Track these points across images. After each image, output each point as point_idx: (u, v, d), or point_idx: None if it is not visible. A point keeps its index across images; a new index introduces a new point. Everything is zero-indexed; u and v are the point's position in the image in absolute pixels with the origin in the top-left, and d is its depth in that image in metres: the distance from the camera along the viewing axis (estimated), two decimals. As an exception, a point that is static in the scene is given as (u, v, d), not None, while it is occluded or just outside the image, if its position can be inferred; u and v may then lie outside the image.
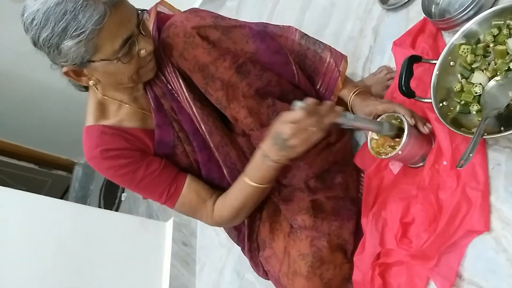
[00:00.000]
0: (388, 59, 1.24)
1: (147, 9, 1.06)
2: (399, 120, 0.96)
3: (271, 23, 1.83)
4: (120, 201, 2.97)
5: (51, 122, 3.28)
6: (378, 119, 0.99)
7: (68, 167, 3.76)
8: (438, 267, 0.87)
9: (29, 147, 3.53)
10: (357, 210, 1.09)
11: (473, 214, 0.82)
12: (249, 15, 2.08)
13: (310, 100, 0.85)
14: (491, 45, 0.91)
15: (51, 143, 3.52)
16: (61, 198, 3.92)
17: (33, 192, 1.75)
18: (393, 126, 0.95)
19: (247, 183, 0.99)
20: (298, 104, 0.83)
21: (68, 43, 0.84)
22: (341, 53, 1.12)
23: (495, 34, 0.90)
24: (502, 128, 0.85)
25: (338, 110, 0.87)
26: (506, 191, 0.85)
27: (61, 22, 0.82)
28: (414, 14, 1.21)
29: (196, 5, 2.26)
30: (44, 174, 3.73)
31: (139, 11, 0.93)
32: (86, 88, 1.03)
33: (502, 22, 0.89)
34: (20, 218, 1.60)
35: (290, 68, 1.06)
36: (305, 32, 1.13)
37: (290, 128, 0.85)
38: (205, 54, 0.99)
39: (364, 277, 0.98)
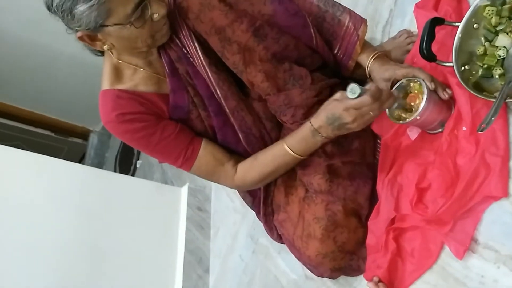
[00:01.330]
0: (409, 22, 1.21)
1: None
2: (419, 84, 0.94)
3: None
4: (135, 168, 3.01)
5: (68, 90, 3.31)
6: (397, 84, 0.97)
7: (84, 134, 3.82)
8: (453, 232, 0.87)
9: (45, 114, 3.57)
10: (373, 176, 1.09)
11: (491, 180, 0.81)
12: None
13: (373, 86, 0.86)
14: (518, 6, 0.88)
15: (67, 111, 3.56)
16: (77, 164, 4.00)
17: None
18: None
19: (288, 152, 1.00)
20: (357, 89, 0.84)
21: (80, 8, 0.85)
22: (361, 17, 1.09)
23: (523, -6, 0.87)
24: (525, 93, 0.83)
25: (396, 95, 0.89)
26: (527, 157, 0.84)
27: None
28: (437, -24, 1.17)
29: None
30: (60, 141, 3.79)
31: None
32: (102, 53, 1.04)
33: (531, -18, 0.86)
34: (38, 180, 1.65)
35: (308, 31, 1.04)
36: (324, -7, 1.10)
37: (353, 115, 0.87)
38: (222, 16, 0.97)
39: (378, 242, 0.99)
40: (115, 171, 3.31)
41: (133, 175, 3.03)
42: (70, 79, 3.20)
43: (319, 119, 0.92)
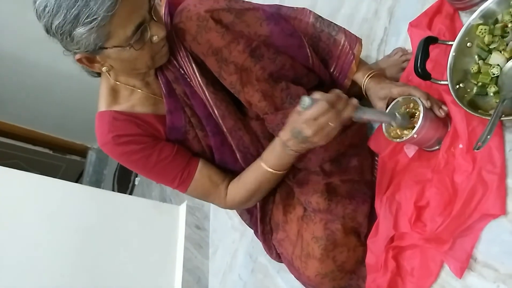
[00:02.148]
0: (403, 40, 1.22)
1: (159, -7, 1.06)
2: (415, 102, 0.94)
3: (285, 3, 1.82)
4: (133, 185, 3.00)
5: (65, 107, 3.31)
6: (393, 102, 0.97)
7: (82, 152, 3.82)
8: (452, 250, 0.87)
9: (43, 132, 3.58)
10: (371, 193, 1.09)
11: (488, 198, 0.81)
12: (260, -3, 2.06)
13: (318, 94, 0.83)
14: (510, 25, 0.89)
15: (65, 128, 3.57)
16: (75, 182, 3.98)
17: (48, 177, 1.78)
18: (406, 117, 0.94)
19: (264, 169, 0.99)
20: (307, 100, 0.81)
21: (80, 30, 0.84)
22: (356, 36, 1.10)
23: (515, 13, 0.88)
24: (520, 110, 0.83)
25: (354, 103, 0.85)
26: (525, 174, 0.84)
27: (73, 9, 0.82)
28: (431, -6, 1.19)
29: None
30: (59, 159, 3.79)
31: None
32: (99, 74, 1.04)
33: (522, 1, 0.87)
34: (35, 201, 1.64)
35: (304, 51, 1.05)
36: (320, 13, 1.12)
37: (311, 127, 0.83)
38: (218, 38, 0.98)
39: (377, 260, 0.98)
40: (113, 189, 3.30)
41: (131, 192, 3.02)
42: (67, 96, 3.21)
43: (285, 133, 0.90)
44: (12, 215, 1.56)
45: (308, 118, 0.83)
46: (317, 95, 0.83)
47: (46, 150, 3.69)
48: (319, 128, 0.83)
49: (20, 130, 3.46)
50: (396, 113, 0.94)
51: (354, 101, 0.86)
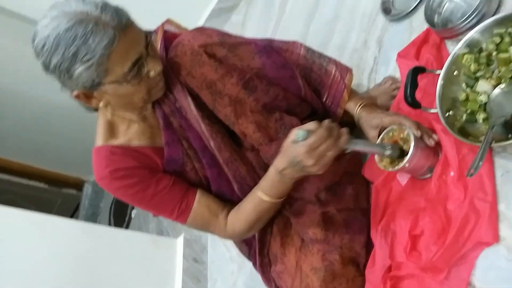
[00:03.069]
0: (393, 69, 1.25)
1: (154, 29, 1.09)
2: (405, 131, 0.96)
3: (276, 36, 1.87)
4: (130, 218, 2.98)
5: (60, 140, 3.31)
6: (385, 131, 0.99)
7: (78, 185, 3.79)
8: (448, 280, 0.86)
9: (39, 166, 3.56)
10: (368, 222, 1.09)
11: (481, 226, 0.82)
12: (254, 28, 2.11)
13: (311, 125, 0.84)
14: (494, 53, 0.91)
15: (61, 161, 3.55)
16: (71, 216, 3.94)
17: (43, 211, 1.76)
18: (396, 148, 0.95)
19: (262, 199, 0.99)
20: (301, 132, 0.83)
21: (78, 68, 0.85)
22: (346, 66, 1.13)
23: (497, 42, 0.91)
24: (510, 135, 0.85)
25: (346, 131, 0.86)
26: (517, 199, 0.85)
27: (72, 47, 0.84)
28: (418, 24, 1.22)
29: (202, 19, 2.30)
30: (54, 193, 3.75)
31: (147, 33, 0.95)
32: (96, 109, 1.05)
33: (504, 30, 0.90)
34: (30, 239, 1.62)
35: (296, 82, 1.07)
36: (310, 45, 1.15)
37: (311, 156, 0.83)
38: (212, 71, 1.00)
39: (376, 290, 0.97)
40: (109, 222, 3.26)
41: (128, 225, 2.99)
42: (62, 129, 3.20)
43: (282, 162, 0.90)
44: (6, 253, 1.54)
45: (309, 148, 0.83)
46: (309, 126, 0.85)
47: (42, 185, 3.66)
48: (319, 157, 0.84)
49: (15, 164, 3.44)
50: (386, 145, 0.95)
51: (345, 129, 0.87)
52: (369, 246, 1.06)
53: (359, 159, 1.19)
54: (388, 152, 0.94)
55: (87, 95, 0.94)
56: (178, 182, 1.06)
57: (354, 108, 1.10)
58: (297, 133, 0.83)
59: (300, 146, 0.84)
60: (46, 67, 0.89)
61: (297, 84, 1.08)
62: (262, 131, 1.04)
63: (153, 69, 0.93)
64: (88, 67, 0.85)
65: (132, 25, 0.90)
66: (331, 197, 1.08)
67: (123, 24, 0.86)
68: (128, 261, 1.77)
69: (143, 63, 0.91)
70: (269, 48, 1.07)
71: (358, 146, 0.91)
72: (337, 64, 1.12)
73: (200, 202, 1.06)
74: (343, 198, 1.10)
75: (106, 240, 1.81)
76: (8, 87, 2.81)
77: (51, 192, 3.72)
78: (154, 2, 2.16)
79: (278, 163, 0.91)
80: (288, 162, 0.88)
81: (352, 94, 1.13)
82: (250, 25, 2.15)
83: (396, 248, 0.96)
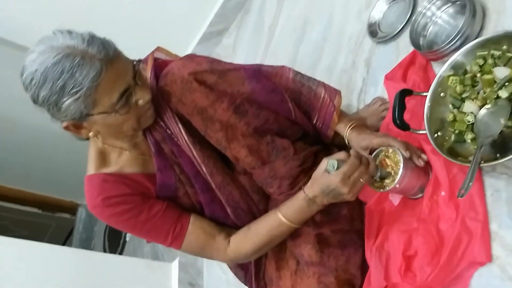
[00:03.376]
0: (382, 89, 1.27)
1: (144, 57, 1.10)
2: (395, 152, 0.97)
3: (267, 57, 1.90)
4: (125, 241, 2.95)
5: (53, 165, 3.29)
6: (374, 152, 1.00)
7: (72, 209, 3.76)
8: (444, 300, 0.87)
9: (31, 191, 3.53)
10: (362, 242, 1.09)
11: (474, 246, 0.82)
12: (244, 51, 2.14)
13: (342, 155, 0.91)
14: (478, 74, 0.93)
15: (54, 186, 3.52)
16: (65, 240, 3.90)
17: (37, 236, 1.75)
18: (384, 170, 0.98)
19: (282, 221, 1.01)
20: (333, 162, 0.89)
21: (66, 100, 0.86)
22: (335, 89, 1.15)
23: (481, 64, 0.93)
24: (498, 155, 0.86)
25: (373, 159, 0.94)
26: (509, 218, 0.85)
27: (59, 80, 0.85)
28: (404, 46, 1.25)
29: (194, 44, 2.33)
30: (48, 217, 3.72)
31: (135, 62, 0.96)
32: (87, 138, 1.05)
33: (486, 52, 0.92)
34: (23, 267, 1.60)
35: (286, 105, 1.09)
36: (300, 67, 1.17)
37: (346, 184, 0.90)
38: (203, 98, 1.01)
39: (372, 313, 0.97)
40: (104, 245, 3.23)
41: (122, 248, 2.96)
42: (54, 153, 3.18)
43: (314, 190, 0.95)
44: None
45: (343, 176, 0.89)
46: (339, 155, 0.92)
47: (35, 210, 3.62)
48: (353, 185, 0.90)
49: (7, 190, 3.40)
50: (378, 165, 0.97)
51: (372, 157, 0.94)
52: (364, 267, 1.06)
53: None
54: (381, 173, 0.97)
55: (77, 126, 0.95)
56: (171, 207, 1.06)
57: (344, 129, 1.11)
58: (328, 162, 0.90)
59: (334, 176, 0.90)
60: (35, 100, 0.90)
61: (287, 108, 1.09)
62: (254, 154, 1.04)
63: (142, 98, 0.94)
64: (76, 99, 0.86)
65: (119, 56, 0.91)
66: (326, 218, 1.09)
67: (110, 56, 0.87)
68: (123, 287, 1.75)
69: (131, 93, 0.92)
70: (258, 73, 1.08)
71: (383, 171, 0.96)
72: (326, 87, 1.14)
73: (194, 224, 1.06)
74: (338, 219, 1.10)
75: (99, 267, 1.79)
76: (-1, 112, 2.80)
77: (44, 217, 3.69)
78: (146, 27, 2.19)
79: (309, 191, 0.96)
80: (321, 190, 0.93)
81: (342, 115, 1.15)
82: (241, 47, 2.18)
83: (391, 269, 0.96)
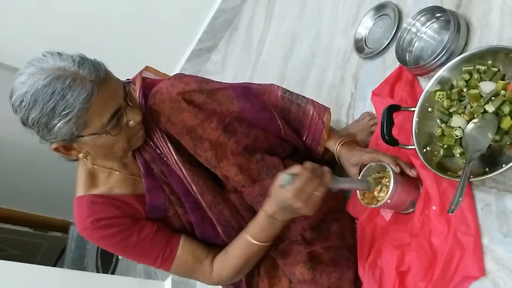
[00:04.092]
0: (370, 105, 1.27)
1: (133, 77, 1.10)
2: (385, 168, 0.97)
3: (256, 73, 1.90)
4: (117, 259, 2.92)
5: (44, 183, 3.26)
6: (365, 168, 1.00)
7: (64, 227, 3.72)
8: (439, 315, 0.86)
9: (23, 210, 3.49)
10: (355, 258, 1.08)
11: (467, 260, 0.82)
12: (234, 67, 2.15)
13: (295, 169, 0.87)
14: (465, 89, 0.94)
15: (45, 204, 3.49)
16: (58, 259, 3.85)
17: (29, 255, 1.73)
18: (377, 182, 0.97)
19: (251, 242, 1.00)
20: (286, 176, 0.85)
21: (57, 122, 0.86)
22: (324, 106, 1.15)
23: (467, 79, 0.94)
24: (487, 169, 0.86)
25: (328, 169, 0.89)
26: (499, 232, 0.85)
27: (50, 102, 0.84)
28: (390, 61, 1.26)
29: (183, 61, 2.34)
30: (40, 236, 3.68)
31: (126, 83, 0.96)
32: (76, 159, 1.05)
33: (472, 67, 0.93)
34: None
35: (276, 123, 1.09)
36: (290, 81, 1.17)
37: (300, 198, 0.86)
38: (191, 117, 1.01)
39: (367, 330, 0.96)
40: (96, 264, 3.19)
41: (115, 266, 2.92)
42: (46, 172, 3.15)
43: (271, 207, 0.92)
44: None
45: (296, 191, 0.85)
46: (293, 170, 0.87)
47: (26, 229, 3.58)
48: (307, 198, 0.86)
49: (-1, 210, 3.37)
50: (369, 179, 0.97)
51: (327, 168, 0.89)
52: (357, 283, 1.06)
53: (343, 195, 1.20)
54: (371, 187, 0.96)
55: (66, 147, 0.94)
56: (161, 229, 1.05)
57: (334, 146, 1.12)
58: (282, 177, 0.86)
59: (287, 190, 0.86)
60: (24, 122, 0.89)
61: (277, 125, 1.09)
62: (244, 173, 1.04)
63: (133, 119, 0.94)
64: (67, 121, 0.86)
65: (110, 78, 0.91)
66: (317, 236, 1.08)
67: (101, 78, 0.87)
68: (115, 308, 1.73)
69: (123, 114, 0.92)
70: (247, 92, 1.08)
71: (343, 184, 0.94)
72: (314, 104, 1.14)
73: (184, 248, 1.05)
74: (329, 236, 1.09)
75: (91, 287, 1.76)
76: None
77: (36, 236, 3.65)
78: (135, 45, 2.19)
79: (268, 208, 0.93)
80: (277, 206, 0.90)
81: (332, 132, 1.15)
82: (230, 64, 2.19)
83: (385, 286, 0.96)
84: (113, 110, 0.90)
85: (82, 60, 0.88)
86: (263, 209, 0.95)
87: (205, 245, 1.09)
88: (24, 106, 0.86)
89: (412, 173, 0.97)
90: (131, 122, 0.94)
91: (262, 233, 0.98)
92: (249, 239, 0.99)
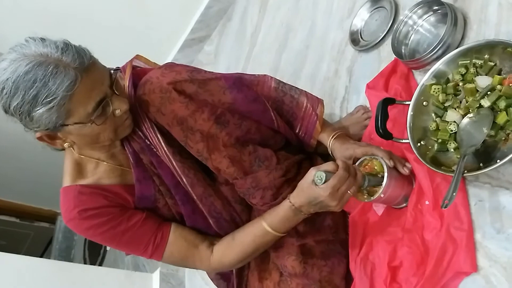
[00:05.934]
0: (364, 98, 1.26)
1: (122, 65, 1.07)
2: (379, 162, 0.96)
3: (249, 65, 1.88)
4: (105, 251, 2.90)
5: (31, 173, 3.22)
6: (358, 162, 0.99)
7: (51, 218, 3.68)
8: (430, 310, 0.85)
9: (9, 200, 3.45)
10: (346, 253, 1.08)
11: (459, 255, 0.82)
12: (227, 58, 2.12)
13: (330, 166, 0.88)
14: (460, 83, 0.93)
15: (32, 194, 3.45)
16: (44, 250, 3.82)
17: (15, 246, 1.71)
18: (371, 179, 0.96)
19: (267, 231, 0.99)
20: (322, 174, 0.86)
21: (39, 110, 0.83)
22: (317, 97, 1.13)
23: (463, 73, 0.93)
24: (481, 164, 0.86)
25: (359, 168, 0.92)
26: (492, 228, 0.85)
27: (31, 90, 0.81)
28: (386, 54, 1.25)
29: (175, 50, 2.30)
30: (26, 227, 3.65)
31: (112, 71, 0.93)
32: (62, 148, 1.02)
33: (468, 61, 0.92)
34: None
35: (269, 114, 1.07)
36: (283, 74, 1.15)
37: (335, 197, 0.88)
38: (182, 108, 0.99)
39: (357, 324, 0.96)
40: (84, 255, 3.17)
41: (103, 258, 2.90)
42: (33, 161, 3.11)
43: (300, 200, 0.92)
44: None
45: (332, 190, 0.87)
46: (327, 166, 0.88)
47: (13, 219, 3.55)
48: (341, 197, 0.88)
49: (-16, 200, 3.33)
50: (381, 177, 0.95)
51: (357, 165, 0.92)
52: (348, 278, 1.05)
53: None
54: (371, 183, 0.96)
55: (51, 136, 0.92)
56: (150, 217, 1.04)
57: (328, 139, 1.10)
58: (315, 174, 0.87)
59: (323, 190, 0.87)
60: (6, 110, 0.87)
61: (269, 117, 1.07)
62: (236, 165, 1.02)
63: (119, 107, 0.91)
64: (49, 109, 0.83)
65: (95, 64, 0.88)
66: (309, 228, 1.07)
67: (85, 64, 0.84)
68: (103, 300, 1.71)
69: (108, 102, 0.89)
70: (240, 83, 1.06)
71: (370, 181, 0.94)
72: (308, 96, 1.13)
73: (175, 233, 1.04)
74: (322, 229, 1.09)
75: (78, 279, 1.75)
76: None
77: (23, 226, 3.62)
78: (126, 33, 2.15)
79: (296, 200, 0.93)
80: (307, 201, 0.91)
81: (325, 125, 1.13)
82: (223, 55, 2.16)
83: (376, 281, 0.95)
84: (98, 99, 0.87)
85: (66, 46, 0.85)
86: (289, 200, 0.95)
87: (198, 232, 1.07)
88: (6, 94, 0.84)
89: (404, 170, 0.96)
90: (118, 111, 0.91)
91: (282, 223, 0.98)
92: (266, 228, 0.99)
